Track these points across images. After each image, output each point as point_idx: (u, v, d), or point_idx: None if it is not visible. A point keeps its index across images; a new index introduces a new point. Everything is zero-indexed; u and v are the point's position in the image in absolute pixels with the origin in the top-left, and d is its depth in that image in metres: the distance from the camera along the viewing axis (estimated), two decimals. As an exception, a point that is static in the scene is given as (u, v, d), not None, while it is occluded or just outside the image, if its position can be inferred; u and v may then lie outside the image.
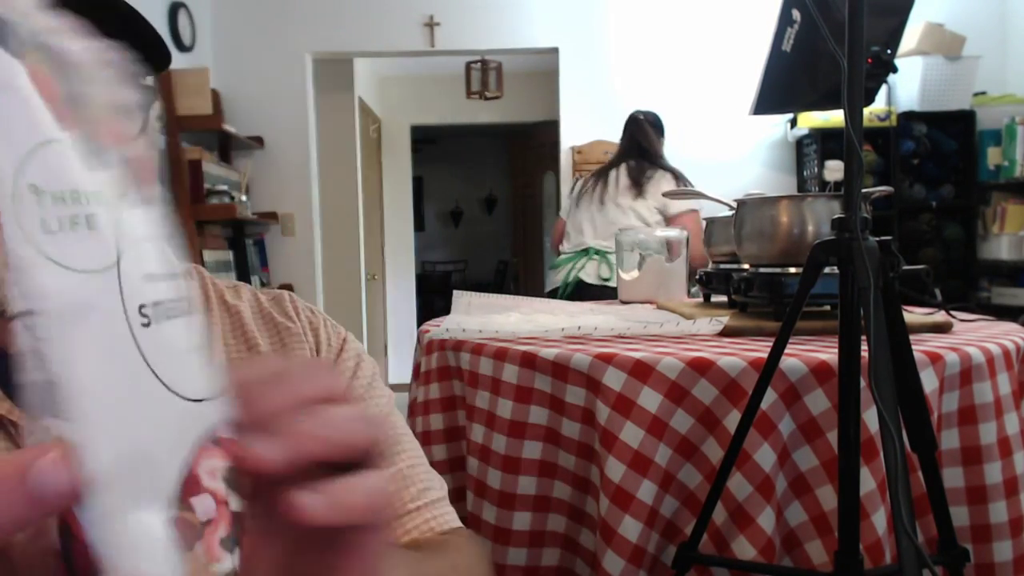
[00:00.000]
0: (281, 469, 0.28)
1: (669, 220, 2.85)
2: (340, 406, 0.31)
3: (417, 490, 0.65)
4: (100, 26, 0.48)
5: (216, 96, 4.00)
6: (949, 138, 3.98)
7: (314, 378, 0.31)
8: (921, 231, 4.00)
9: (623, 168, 2.91)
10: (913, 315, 1.49)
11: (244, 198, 4.01)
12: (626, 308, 1.85)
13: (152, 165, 0.63)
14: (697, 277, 1.93)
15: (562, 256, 2.93)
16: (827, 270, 1.06)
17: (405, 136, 6.42)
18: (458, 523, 0.66)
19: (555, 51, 4.32)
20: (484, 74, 5.00)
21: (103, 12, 0.47)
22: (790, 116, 4.09)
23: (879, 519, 1.08)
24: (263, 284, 4.09)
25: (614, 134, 4.30)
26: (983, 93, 4.02)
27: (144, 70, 0.53)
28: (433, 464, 0.69)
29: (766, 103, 1.36)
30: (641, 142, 2.97)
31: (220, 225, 3.82)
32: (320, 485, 0.28)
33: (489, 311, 1.67)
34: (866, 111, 1.07)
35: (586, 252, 2.88)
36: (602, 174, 2.92)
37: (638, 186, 2.86)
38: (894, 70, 1.16)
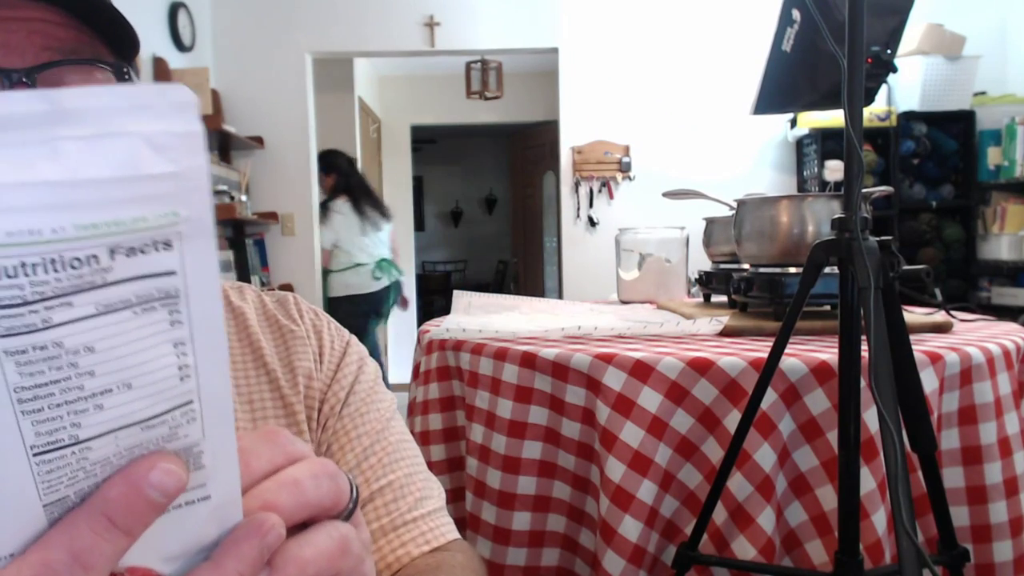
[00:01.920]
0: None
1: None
2: (298, 465, 0.30)
3: (415, 499, 0.64)
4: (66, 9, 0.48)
5: (216, 96, 4.00)
6: (949, 138, 3.97)
7: (270, 449, 0.30)
8: (921, 231, 3.99)
9: (365, 202, 4.04)
10: (913, 315, 1.49)
11: (244, 198, 4.01)
12: (626, 308, 1.85)
13: None
14: (697, 278, 1.93)
15: (370, 264, 4.05)
16: (827, 270, 1.06)
17: (405, 136, 6.42)
18: (455, 534, 0.65)
19: (555, 51, 4.32)
20: (484, 74, 5.00)
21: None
22: (790, 116, 4.09)
23: (879, 519, 1.08)
24: (263, 284, 4.09)
25: (614, 134, 4.33)
26: (983, 93, 4.02)
27: (112, 54, 0.52)
28: (432, 464, 0.69)
29: (766, 103, 1.36)
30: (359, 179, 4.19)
31: (220, 225, 3.82)
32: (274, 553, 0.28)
33: (489, 311, 1.67)
34: (866, 111, 1.07)
35: (386, 260, 4.10)
36: (357, 206, 4.02)
37: (386, 217, 4.14)
38: (894, 70, 1.15)
